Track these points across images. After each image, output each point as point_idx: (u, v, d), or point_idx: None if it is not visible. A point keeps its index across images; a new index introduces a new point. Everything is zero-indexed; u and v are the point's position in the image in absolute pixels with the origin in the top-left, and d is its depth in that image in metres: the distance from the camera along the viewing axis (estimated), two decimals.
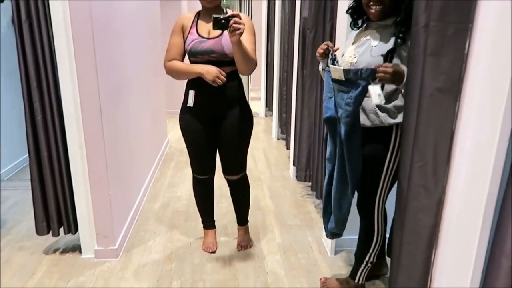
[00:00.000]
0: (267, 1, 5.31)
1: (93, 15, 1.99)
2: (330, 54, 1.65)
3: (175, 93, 5.92)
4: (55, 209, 2.21)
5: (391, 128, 1.59)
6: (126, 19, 2.72)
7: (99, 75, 2.07)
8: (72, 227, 2.27)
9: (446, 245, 1.12)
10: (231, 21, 1.73)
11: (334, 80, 1.61)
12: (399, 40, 1.53)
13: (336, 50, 1.66)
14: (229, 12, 1.81)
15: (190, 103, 2.04)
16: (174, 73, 2.03)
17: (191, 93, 2.04)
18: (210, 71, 1.91)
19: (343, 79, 1.53)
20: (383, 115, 1.58)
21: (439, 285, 1.18)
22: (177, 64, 2.01)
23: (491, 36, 0.91)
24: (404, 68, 1.47)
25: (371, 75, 1.45)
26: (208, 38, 1.97)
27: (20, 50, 1.98)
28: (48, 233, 2.26)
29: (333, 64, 1.63)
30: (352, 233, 2.26)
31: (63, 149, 2.14)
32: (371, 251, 1.81)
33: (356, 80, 1.49)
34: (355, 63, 1.63)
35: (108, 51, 2.27)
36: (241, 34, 1.76)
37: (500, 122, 0.85)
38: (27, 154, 2.12)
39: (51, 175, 2.16)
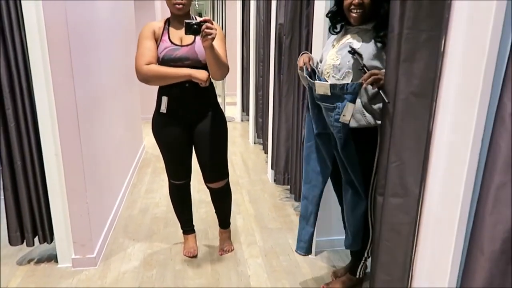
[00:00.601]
0: (241, 6, 5.35)
1: (68, 19, 1.96)
2: (307, 71, 1.69)
3: (150, 99, 5.86)
4: (29, 219, 2.14)
5: (376, 129, 1.64)
6: (101, 23, 2.69)
7: (75, 82, 2.03)
8: (47, 236, 2.21)
9: (425, 244, 1.17)
10: (203, 26, 1.74)
11: (319, 97, 1.65)
12: (378, 44, 1.59)
13: (310, 66, 1.71)
14: (199, 18, 1.83)
15: (163, 109, 2.04)
16: (154, 78, 1.94)
17: (164, 99, 2.03)
18: (201, 71, 1.93)
19: (329, 94, 1.57)
20: (369, 116, 1.63)
21: (419, 284, 1.20)
22: (158, 67, 1.94)
23: (462, 41, 0.97)
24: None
25: (358, 89, 1.49)
26: (181, 46, 1.98)
27: None
28: (22, 243, 2.19)
29: (311, 77, 1.67)
30: (332, 234, 2.31)
31: (37, 157, 2.08)
32: (368, 246, 1.84)
33: (342, 95, 1.53)
34: (338, 64, 1.67)
35: (84, 56, 2.23)
36: (213, 39, 1.77)
37: (474, 122, 0.90)
38: None
39: (25, 184, 2.10)
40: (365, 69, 1.54)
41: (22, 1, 1.87)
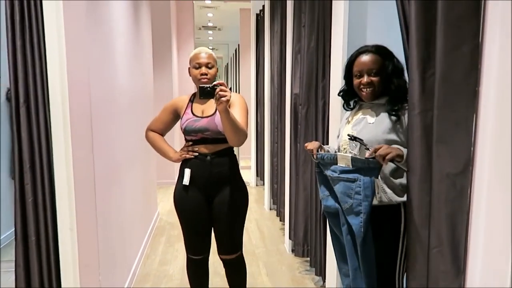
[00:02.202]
0: (255, 74, 5.54)
1: (92, 94, 2.01)
2: (316, 157, 1.70)
3: (166, 163, 5.93)
4: None
5: (399, 206, 1.57)
6: (122, 90, 2.77)
7: (94, 155, 2.04)
8: None
9: None
10: (217, 89, 1.75)
11: (339, 171, 1.61)
12: (393, 118, 1.59)
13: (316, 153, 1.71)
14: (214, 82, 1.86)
15: (186, 181, 2.03)
16: (149, 142, 2.22)
17: (187, 171, 2.03)
18: (174, 154, 2.11)
19: (351, 167, 1.54)
20: (389, 192, 1.57)
21: None
22: (154, 138, 2.19)
23: (495, 122, 0.95)
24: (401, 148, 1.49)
25: (378, 168, 1.47)
26: (202, 117, 2.02)
27: (16, 132, 1.95)
28: None
29: (323, 159, 1.66)
30: None
31: (52, 232, 2.04)
32: None
33: (364, 168, 1.50)
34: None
35: (104, 128, 2.27)
36: (227, 101, 1.75)
37: (510, 205, 0.84)
38: (9, 232, 2.01)
39: (38, 261, 2.03)
40: (369, 148, 1.54)
41: (48, 76, 1.93)
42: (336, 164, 1.61)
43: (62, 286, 2.06)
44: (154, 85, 4.28)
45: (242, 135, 1.92)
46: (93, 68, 2.09)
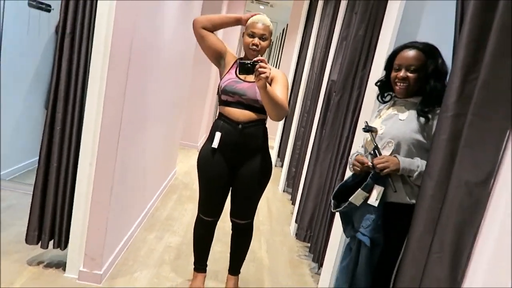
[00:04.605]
0: (297, 56, 5.47)
1: (134, 38, 2.05)
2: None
3: (192, 127, 6.01)
4: (50, 221, 2.16)
5: (410, 208, 1.55)
6: (164, 48, 2.80)
7: (125, 101, 2.10)
8: (62, 242, 2.20)
9: None
10: (257, 66, 1.76)
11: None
12: (422, 119, 1.56)
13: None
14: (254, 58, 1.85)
15: (215, 144, 2.03)
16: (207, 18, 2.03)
17: (217, 135, 2.02)
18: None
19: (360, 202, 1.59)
20: (408, 192, 1.57)
21: None
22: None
23: None
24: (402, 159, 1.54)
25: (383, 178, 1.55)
26: (244, 81, 2.02)
27: (57, 62, 2.03)
28: (37, 243, 2.19)
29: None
30: None
31: (73, 162, 2.13)
32: None
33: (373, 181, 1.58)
34: (381, 134, 1.65)
35: (140, 77, 2.32)
36: (266, 78, 1.77)
37: None
38: (34, 159, 2.10)
39: (55, 186, 2.14)
40: (376, 152, 1.59)
41: (97, 14, 1.98)
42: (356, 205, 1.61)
43: (72, 215, 2.16)
44: (195, 52, 4.29)
45: (281, 110, 1.94)
46: (141, 17, 2.12)
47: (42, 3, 3.39)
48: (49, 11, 3.50)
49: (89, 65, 2.04)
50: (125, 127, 2.19)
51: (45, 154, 2.10)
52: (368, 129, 1.66)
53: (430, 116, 1.55)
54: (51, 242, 2.21)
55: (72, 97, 2.07)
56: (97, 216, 2.16)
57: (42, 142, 2.09)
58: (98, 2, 1.98)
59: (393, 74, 1.64)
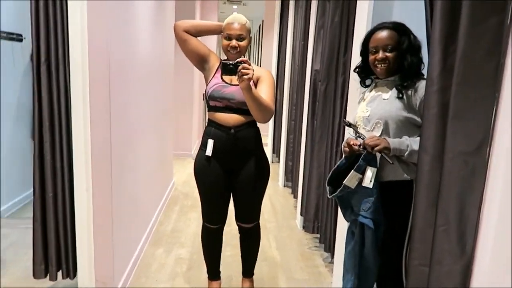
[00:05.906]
0: (277, 49, 5.46)
1: (110, 55, 2.03)
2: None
3: (183, 136, 5.98)
4: (55, 252, 2.14)
5: (408, 184, 1.55)
6: (142, 57, 2.78)
7: (112, 118, 2.08)
8: (71, 271, 2.18)
9: None
10: (240, 67, 1.74)
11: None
12: (403, 91, 1.59)
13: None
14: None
15: (209, 152, 2.01)
16: (185, 26, 2.00)
17: (210, 142, 2.00)
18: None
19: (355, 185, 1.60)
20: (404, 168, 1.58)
21: None
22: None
23: None
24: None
25: (370, 155, 1.56)
26: (231, 84, 1.99)
27: (36, 90, 1.99)
28: (45, 276, 2.17)
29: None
30: None
31: (69, 190, 2.11)
32: None
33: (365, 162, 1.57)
34: (368, 116, 1.67)
35: (123, 92, 2.30)
36: (249, 79, 1.74)
37: None
38: (29, 192, 2.08)
39: (54, 217, 2.11)
40: (362, 137, 1.62)
41: (69, 35, 1.94)
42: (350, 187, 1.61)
43: (77, 242, 2.14)
44: (174, 57, 4.27)
45: (266, 112, 1.91)
46: (114, 32, 2.10)
47: (12, 34, 3.35)
48: (21, 40, 3.46)
49: (70, 90, 2.02)
50: (116, 146, 2.17)
51: (39, 185, 2.08)
52: (349, 124, 1.71)
53: (410, 91, 1.57)
54: (60, 273, 2.19)
55: (57, 124, 2.04)
56: (101, 239, 2.14)
57: (34, 173, 2.06)
58: (69, 24, 1.95)
59: (371, 57, 1.66)
